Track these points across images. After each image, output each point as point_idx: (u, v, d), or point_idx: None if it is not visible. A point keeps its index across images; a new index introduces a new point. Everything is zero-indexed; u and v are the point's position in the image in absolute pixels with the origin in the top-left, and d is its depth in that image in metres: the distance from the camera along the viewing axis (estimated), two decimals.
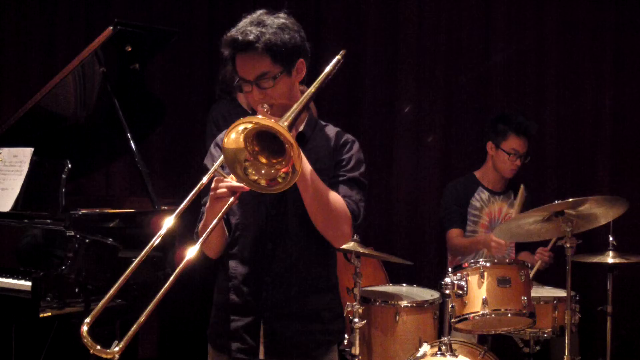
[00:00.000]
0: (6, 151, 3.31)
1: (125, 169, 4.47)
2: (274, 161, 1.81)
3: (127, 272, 1.87)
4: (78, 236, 3.00)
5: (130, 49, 3.41)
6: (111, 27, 3.20)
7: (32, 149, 3.24)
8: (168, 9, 4.86)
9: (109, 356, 1.74)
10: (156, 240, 1.92)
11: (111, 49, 3.37)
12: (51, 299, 2.89)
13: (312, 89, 2.03)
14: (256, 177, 1.82)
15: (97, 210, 3.29)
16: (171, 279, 1.84)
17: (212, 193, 1.96)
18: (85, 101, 3.64)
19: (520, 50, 4.49)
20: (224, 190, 1.94)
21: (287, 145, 1.76)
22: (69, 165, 3.15)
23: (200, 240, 1.92)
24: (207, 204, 2.02)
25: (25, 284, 2.92)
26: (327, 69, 2.12)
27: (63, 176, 3.14)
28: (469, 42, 4.58)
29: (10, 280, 3.00)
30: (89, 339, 1.74)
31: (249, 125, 1.78)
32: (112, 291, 1.84)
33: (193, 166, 4.64)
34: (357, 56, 4.63)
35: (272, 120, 1.77)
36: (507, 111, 4.13)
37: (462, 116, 4.58)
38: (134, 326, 1.78)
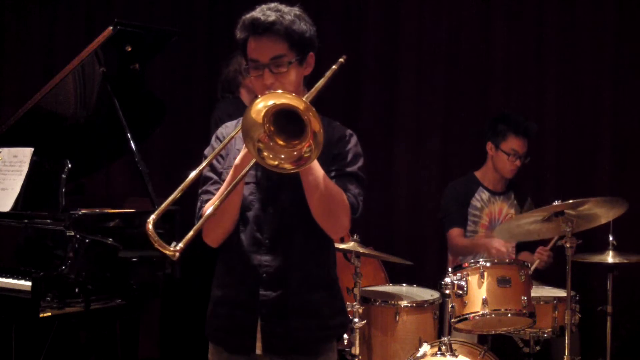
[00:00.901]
0: (6, 151, 3.31)
1: (125, 169, 4.47)
2: (295, 142, 1.80)
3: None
4: (78, 236, 3.00)
5: (130, 49, 3.41)
6: (111, 27, 3.20)
7: (32, 149, 3.24)
8: (168, 9, 4.86)
9: (170, 253, 1.82)
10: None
11: (111, 49, 3.37)
12: (51, 299, 2.88)
13: (319, 84, 2.04)
14: (276, 162, 1.82)
15: (97, 210, 3.28)
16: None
17: (237, 162, 2.00)
18: (85, 101, 3.64)
19: (520, 50, 4.49)
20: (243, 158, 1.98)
21: (305, 119, 1.75)
22: (69, 165, 3.15)
23: (221, 198, 1.93)
24: (230, 174, 2.03)
25: (25, 284, 2.92)
26: (333, 68, 2.14)
27: (63, 176, 3.14)
28: (469, 42, 4.58)
29: (10, 280, 3.00)
30: (155, 233, 1.82)
31: (279, 101, 1.77)
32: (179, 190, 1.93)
33: (193, 166, 4.63)
34: (357, 56, 4.63)
35: (292, 95, 1.79)
36: (506, 111, 4.13)
37: (462, 116, 4.58)
38: (193, 230, 1.86)
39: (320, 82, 2.05)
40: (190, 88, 4.92)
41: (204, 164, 2.04)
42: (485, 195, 3.97)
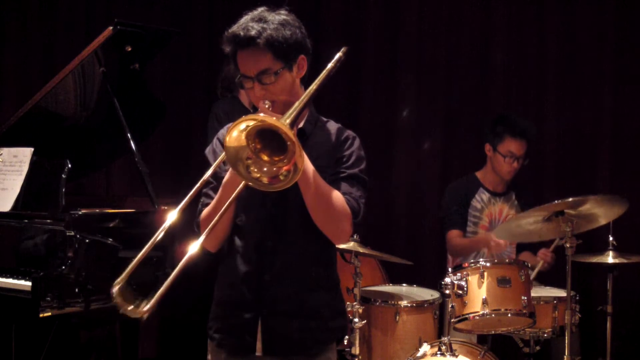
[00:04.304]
0: (6, 151, 3.31)
1: (125, 169, 4.47)
2: (276, 159, 1.81)
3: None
4: (78, 236, 3.00)
5: (130, 49, 3.41)
6: (111, 27, 3.20)
7: (32, 149, 3.24)
8: (168, 9, 4.86)
9: (137, 315, 1.80)
10: (161, 233, 1.93)
11: (111, 49, 3.37)
12: (51, 299, 2.88)
13: (313, 86, 2.03)
14: (258, 175, 1.82)
15: (97, 210, 3.29)
16: (177, 269, 1.87)
17: (226, 179, 2.01)
18: (85, 101, 3.64)
19: (520, 51, 4.49)
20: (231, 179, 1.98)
21: (288, 143, 1.76)
22: (69, 165, 3.15)
23: (210, 225, 1.93)
24: (220, 191, 2.04)
25: (25, 284, 2.92)
26: (329, 65, 2.12)
27: (63, 176, 3.14)
28: (469, 43, 4.58)
29: (10, 280, 3.00)
30: (120, 298, 1.80)
31: (251, 123, 1.78)
32: (143, 252, 1.90)
33: (193, 166, 4.64)
34: (357, 56, 4.62)
35: (274, 118, 1.78)
36: (506, 112, 4.12)
37: (462, 116, 4.58)
38: (161, 289, 1.83)
39: (312, 86, 2.03)
40: (190, 88, 4.92)
41: (205, 172, 2.04)
42: (485, 196, 3.97)
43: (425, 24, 4.63)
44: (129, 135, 3.38)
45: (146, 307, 1.79)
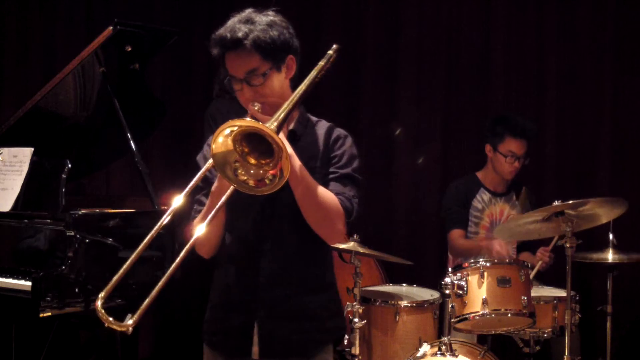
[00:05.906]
0: (6, 151, 3.31)
1: (125, 169, 4.47)
2: (263, 162, 1.81)
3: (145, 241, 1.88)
4: (78, 236, 3.00)
5: (130, 49, 3.41)
6: (111, 27, 3.20)
7: (32, 149, 3.24)
8: (168, 9, 4.86)
9: (122, 329, 1.75)
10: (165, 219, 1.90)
11: (111, 49, 3.37)
12: (51, 299, 2.88)
13: (302, 86, 2.01)
14: (245, 178, 1.82)
15: (97, 210, 3.28)
16: (179, 258, 1.84)
17: (213, 188, 2.01)
18: (85, 101, 3.64)
19: (520, 50, 4.49)
20: (219, 187, 1.97)
21: (274, 147, 1.75)
22: (69, 165, 3.15)
23: (207, 220, 1.91)
24: (209, 198, 2.04)
25: (25, 284, 2.92)
26: (319, 64, 2.11)
27: (63, 176, 3.13)
28: (469, 42, 4.58)
29: (10, 280, 3.00)
30: (103, 312, 1.74)
31: (235, 128, 1.77)
32: (129, 262, 1.84)
33: (193, 166, 4.64)
34: (357, 56, 4.63)
35: (260, 122, 1.77)
36: (505, 112, 4.12)
37: (462, 117, 4.58)
38: (147, 300, 1.78)
39: (302, 87, 2.01)
40: (190, 88, 4.92)
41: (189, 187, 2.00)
42: (486, 196, 3.97)
43: (425, 23, 4.63)
44: (129, 135, 3.38)
45: (131, 320, 1.75)
